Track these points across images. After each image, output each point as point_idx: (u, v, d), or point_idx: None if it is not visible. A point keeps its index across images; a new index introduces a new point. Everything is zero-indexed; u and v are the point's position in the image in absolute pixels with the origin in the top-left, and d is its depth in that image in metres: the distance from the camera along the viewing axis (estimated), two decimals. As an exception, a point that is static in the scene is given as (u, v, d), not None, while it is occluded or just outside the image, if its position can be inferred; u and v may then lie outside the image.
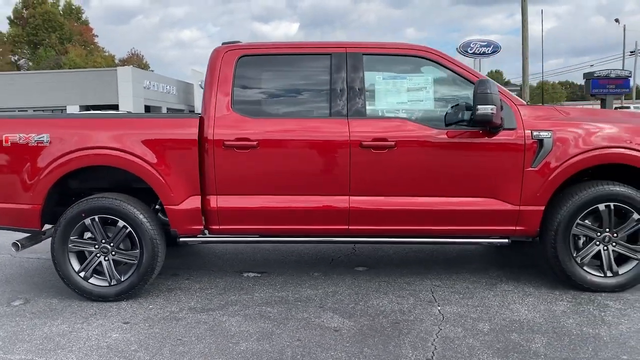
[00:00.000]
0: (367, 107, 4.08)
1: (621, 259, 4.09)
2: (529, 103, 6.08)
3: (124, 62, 73.46)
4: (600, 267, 4.09)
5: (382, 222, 4.09)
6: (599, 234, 4.05)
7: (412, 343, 3.31)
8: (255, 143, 4.00)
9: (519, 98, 4.15)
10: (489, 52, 27.59)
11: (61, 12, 71.81)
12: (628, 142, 3.95)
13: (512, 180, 3.99)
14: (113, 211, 4.08)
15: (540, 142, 3.96)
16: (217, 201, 4.08)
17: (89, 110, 25.87)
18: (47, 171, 4.05)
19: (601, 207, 4.00)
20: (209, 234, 4.19)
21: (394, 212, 4.06)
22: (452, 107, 4.01)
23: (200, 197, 4.09)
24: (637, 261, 4.06)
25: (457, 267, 4.82)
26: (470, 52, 27.48)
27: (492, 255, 5.34)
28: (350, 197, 4.06)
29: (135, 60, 75.79)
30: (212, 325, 3.66)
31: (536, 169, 3.97)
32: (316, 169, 4.05)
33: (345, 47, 4.17)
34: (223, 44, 4.33)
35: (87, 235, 4.19)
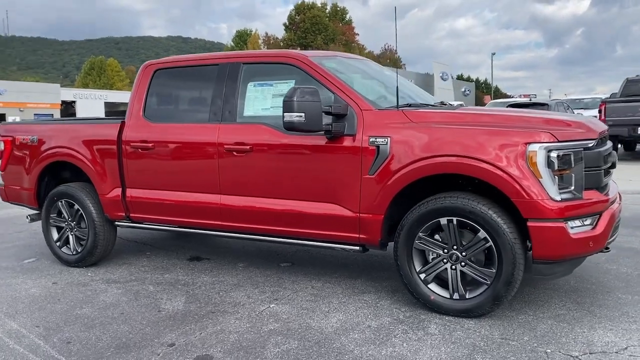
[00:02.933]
0: (238, 113, 4.40)
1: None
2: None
3: (378, 58, 77.72)
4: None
5: (245, 220, 4.38)
6: (445, 251, 3.68)
7: (182, 333, 3.65)
8: (151, 145, 4.69)
9: (367, 102, 3.94)
10: None
11: (327, 15, 79.01)
12: (467, 151, 3.50)
13: (351, 186, 3.89)
14: (70, 196, 5.22)
15: (378, 148, 3.78)
16: (130, 193, 4.89)
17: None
18: (35, 163, 5.38)
19: (443, 221, 3.64)
20: (130, 221, 5.02)
21: (252, 212, 4.31)
22: None
23: (121, 188, 4.94)
24: (486, 286, 3.57)
25: (366, 273, 4.73)
26: None
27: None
28: (221, 195, 4.45)
29: (388, 56, 79.40)
30: (94, 294, 4.50)
31: (373, 176, 3.80)
32: (196, 169, 4.54)
33: (231, 58, 4.56)
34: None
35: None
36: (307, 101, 3.70)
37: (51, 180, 5.57)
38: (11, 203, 5.86)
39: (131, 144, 4.78)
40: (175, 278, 4.83)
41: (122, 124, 4.92)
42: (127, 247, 6.04)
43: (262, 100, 4.35)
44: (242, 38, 77.02)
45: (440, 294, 3.72)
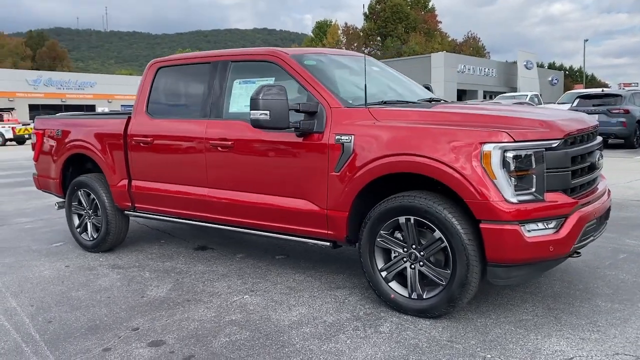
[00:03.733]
0: (224, 110, 4.56)
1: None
2: None
3: (460, 46, 75.63)
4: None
5: (228, 213, 4.53)
6: (405, 249, 3.66)
7: (150, 318, 3.87)
8: (150, 139, 4.95)
9: (337, 99, 3.96)
10: None
11: (409, 3, 77.76)
12: (422, 150, 3.45)
13: (320, 183, 3.95)
14: (87, 186, 5.62)
15: (342, 146, 3.81)
16: (134, 184, 5.19)
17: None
18: (59, 155, 5.83)
19: (401, 220, 3.62)
20: (136, 210, 5.33)
21: (235, 206, 4.46)
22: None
23: (127, 180, 5.26)
24: (442, 287, 3.52)
25: (353, 268, 4.75)
26: None
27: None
28: (209, 188, 4.64)
29: (471, 44, 77.07)
30: (95, 277, 4.83)
31: (338, 173, 3.84)
32: (188, 163, 4.75)
33: (221, 56, 4.71)
34: None
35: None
36: (273, 99, 3.78)
37: (76, 171, 6.00)
38: (42, 191, 6.37)
39: (134, 138, 5.07)
40: (173, 266, 5.09)
41: (129, 119, 5.23)
42: (147, 235, 6.40)
43: (246, 98, 4.46)
44: (322, 29, 77.50)
45: (400, 293, 3.71)
